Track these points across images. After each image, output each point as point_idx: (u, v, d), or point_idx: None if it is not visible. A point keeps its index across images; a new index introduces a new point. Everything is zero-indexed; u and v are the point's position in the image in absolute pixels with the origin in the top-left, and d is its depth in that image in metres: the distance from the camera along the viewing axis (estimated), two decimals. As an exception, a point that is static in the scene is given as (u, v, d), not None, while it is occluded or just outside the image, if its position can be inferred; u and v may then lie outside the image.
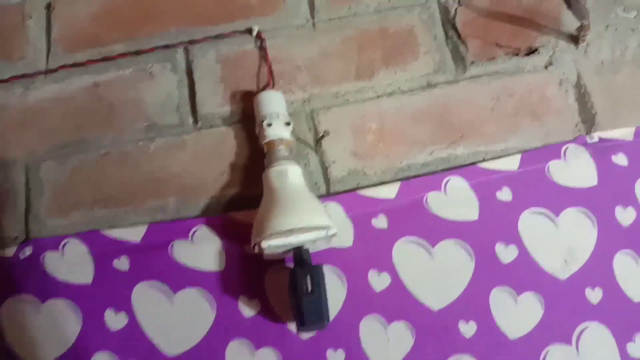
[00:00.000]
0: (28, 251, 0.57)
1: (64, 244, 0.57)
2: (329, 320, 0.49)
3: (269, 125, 0.55)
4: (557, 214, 0.57)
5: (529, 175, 0.58)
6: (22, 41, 0.66)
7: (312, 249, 0.53)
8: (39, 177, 0.60)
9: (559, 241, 0.56)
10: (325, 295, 0.49)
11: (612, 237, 0.56)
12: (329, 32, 0.65)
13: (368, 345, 0.53)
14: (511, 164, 0.59)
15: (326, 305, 0.49)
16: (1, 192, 0.59)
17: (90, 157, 0.60)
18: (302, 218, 0.49)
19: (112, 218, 0.58)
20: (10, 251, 0.57)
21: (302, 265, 0.50)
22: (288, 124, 0.56)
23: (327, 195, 0.58)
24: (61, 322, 0.54)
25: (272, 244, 0.49)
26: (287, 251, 0.52)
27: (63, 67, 0.65)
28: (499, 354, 0.52)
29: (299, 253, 0.50)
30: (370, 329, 0.53)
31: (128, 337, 0.54)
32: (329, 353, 0.53)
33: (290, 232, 0.49)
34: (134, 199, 0.58)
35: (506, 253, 0.56)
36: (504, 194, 0.58)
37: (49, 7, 0.68)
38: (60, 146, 0.61)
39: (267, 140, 0.55)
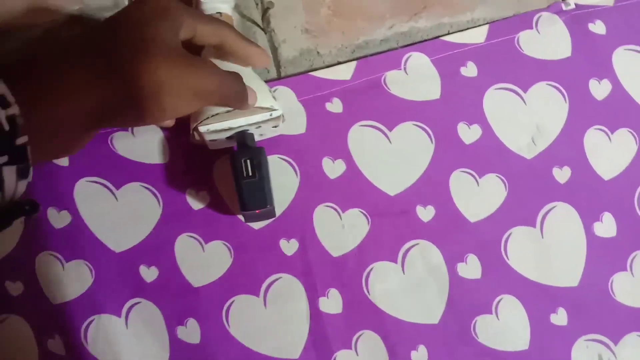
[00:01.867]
0: None
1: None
2: (272, 205, 0.44)
3: None
4: (525, 89, 0.50)
5: (496, 48, 0.51)
6: None
7: (261, 136, 0.47)
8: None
9: (526, 118, 0.50)
10: (267, 178, 0.44)
11: (584, 113, 0.50)
12: None
13: (323, 233, 0.48)
14: (477, 36, 0.51)
15: (269, 189, 0.44)
16: None
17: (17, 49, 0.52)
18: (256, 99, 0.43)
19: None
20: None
21: (242, 148, 0.44)
22: None
23: (277, 79, 0.51)
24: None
25: (210, 128, 0.43)
26: (232, 138, 0.45)
27: None
28: (458, 238, 0.48)
29: (241, 136, 0.44)
30: (325, 216, 0.48)
31: (72, 235, 0.49)
32: (282, 243, 0.48)
33: (230, 114, 0.42)
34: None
35: (469, 133, 0.49)
36: (469, 70, 0.50)
37: None
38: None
39: (201, 15, 0.47)
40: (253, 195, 0.43)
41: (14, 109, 0.26)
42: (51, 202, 0.49)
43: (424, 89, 0.50)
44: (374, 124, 0.50)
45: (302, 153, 0.49)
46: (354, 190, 0.49)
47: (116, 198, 0.49)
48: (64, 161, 0.50)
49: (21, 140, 0.27)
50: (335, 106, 0.50)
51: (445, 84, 0.50)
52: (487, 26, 0.51)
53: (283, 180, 0.49)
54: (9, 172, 0.27)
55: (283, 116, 0.45)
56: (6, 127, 0.26)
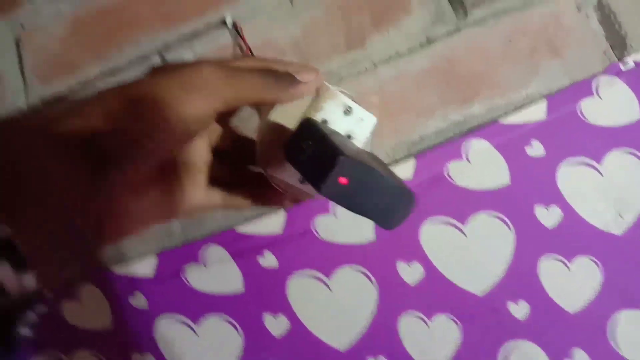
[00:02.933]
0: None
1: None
2: (342, 154, 0.27)
3: None
4: (598, 160, 0.47)
5: (559, 122, 0.48)
6: (-5, 83, 0.59)
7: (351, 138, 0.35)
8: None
9: (607, 191, 0.46)
10: (331, 136, 0.29)
11: (671, 175, 0.46)
12: (308, 4, 0.54)
13: (411, 345, 0.45)
14: (537, 112, 0.48)
15: (341, 142, 0.29)
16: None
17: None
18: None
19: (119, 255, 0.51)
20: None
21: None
22: None
23: (338, 188, 0.49)
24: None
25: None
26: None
27: (45, 101, 0.57)
28: (559, 333, 0.44)
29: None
30: (410, 327, 0.46)
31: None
32: (370, 361, 0.45)
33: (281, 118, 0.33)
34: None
35: (548, 216, 0.46)
36: (535, 149, 0.48)
37: (17, 42, 0.60)
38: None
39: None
40: (316, 161, 0.28)
41: None
42: (135, 347, 0.48)
43: (491, 176, 0.47)
44: (446, 220, 0.47)
45: (374, 261, 0.47)
46: (438, 294, 0.46)
47: (196, 334, 0.48)
48: (143, 304, 0.49)
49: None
50: (401, 207, 0.48)
51: (513, 168, 0.47)
52: (545, 100, 0.48)
53: (360, 292, 0.46)
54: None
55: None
56: None
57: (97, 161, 0.26)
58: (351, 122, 0.34)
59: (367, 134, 0.34)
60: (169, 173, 0.34)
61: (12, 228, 0.23)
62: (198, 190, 0.35)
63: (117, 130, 0.27)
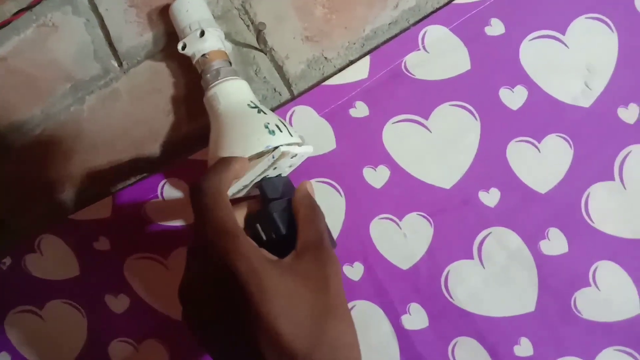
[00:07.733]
0: (7, 261, 0.53)
1: (39, 242, 0.53)
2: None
3: (183, 47, 0.47)
4: (563, 30, 0.48)
5: (518, -3, 0.48)
6: None
7: (290, 167, 0.46)
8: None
9: (573, 62, 0.48)
10: (286, 232, 0.40)
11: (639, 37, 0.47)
12: None
13: (385, 248, 0.48)
14: (493, -12, 0.49)
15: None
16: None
17: (28, 140, 0.54)
18: (247, 147, 0.41)
19: (75, 199, 0.53)
20: (-13, 267, 0.54)
21: (256, 213, 0.42)
22: (203, 33, 0.46)
23: (291, 100, 0.50)
24: (67, 322, 0.52)
25: (231, 191, 0.43)
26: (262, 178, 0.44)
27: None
28: (533, 215, 0.47)
29: (262, 190, 0.43)
30: (383, 230, 0.48)
31: (135, 315, 0.51)
32: (347, 269, 0.48)
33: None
34: (90, 173, 0.53)
35: (513, 97, 0.48)
36: (495, 28, 0.48)
37: None
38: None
39: (193, 62, 0.47)
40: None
41: None
42: (106, 289, 0.52)
43: (451, 63, 0.48)
44: (407, 117, 0.49)
45: (340, 169, 0.49)
46: (406, 194, 0.48)
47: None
48: (105, 246, 0.52)
49: None
50: (359, 111, 0.49)
51: (473, 51, 0.48)
52: (501, -27, 0.49)
53: (328, 204, 0.49)
54: None
55: (302, 139, 0.44)
56: None
57: None
58: (287, 161, 0.43)
59: (300, 162, 0.47)
60: None
61: None
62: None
63: None
